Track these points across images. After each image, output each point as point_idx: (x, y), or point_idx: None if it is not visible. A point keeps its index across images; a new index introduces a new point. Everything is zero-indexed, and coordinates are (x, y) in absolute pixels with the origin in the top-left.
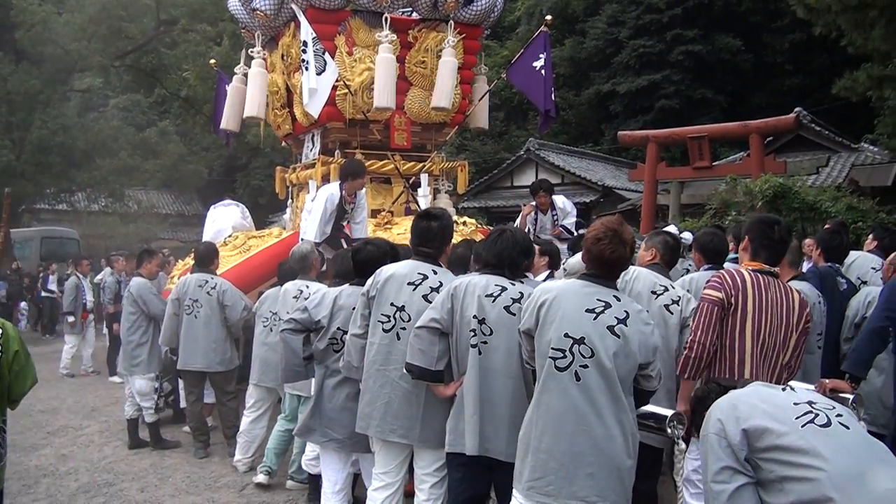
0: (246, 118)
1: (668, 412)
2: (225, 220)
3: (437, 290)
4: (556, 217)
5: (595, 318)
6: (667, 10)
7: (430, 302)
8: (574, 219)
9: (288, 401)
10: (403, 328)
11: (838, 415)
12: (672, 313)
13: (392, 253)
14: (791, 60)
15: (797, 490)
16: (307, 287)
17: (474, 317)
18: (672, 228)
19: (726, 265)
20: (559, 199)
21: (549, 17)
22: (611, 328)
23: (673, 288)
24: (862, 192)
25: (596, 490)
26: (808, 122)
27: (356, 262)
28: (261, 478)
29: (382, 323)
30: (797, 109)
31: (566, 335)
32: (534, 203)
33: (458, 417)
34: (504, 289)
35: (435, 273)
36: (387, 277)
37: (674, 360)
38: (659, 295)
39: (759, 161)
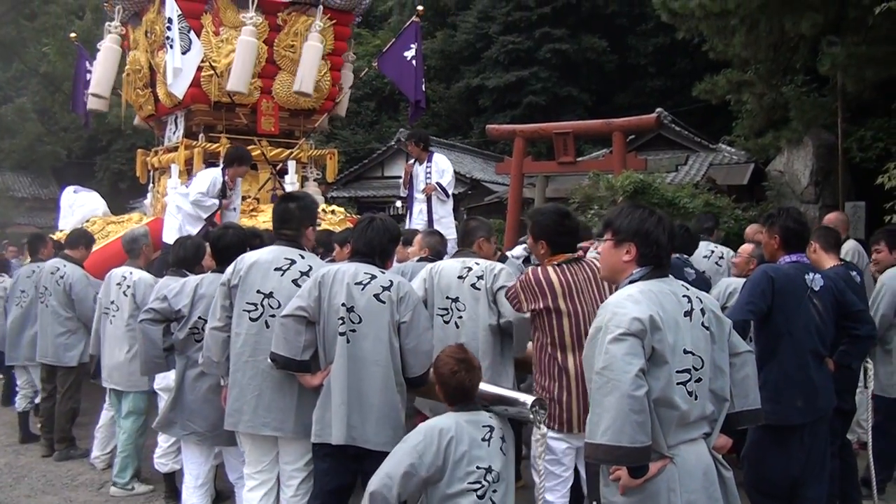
0: (91, 93)
1: (529, 398)
2: (93, 203)
3: (307, 273)
4: (428, 171)
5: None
6: (536, 7)
7: (301, 287)
8: (451, 177)
9: (120, 399)
10: (273, 315)
11: (697, 380)
12: (479, 289)
13: (256, 240)
14: (654, 63)
15: None
16: (131, 274)
17: (343, 304)
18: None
19: None
20: (438, 156)
21: (420, 8)
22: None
23: (477, 265)
24: (719, 190)
25: None
26: (669, 123)
27: (217, 249)
28: (140, 488)
29: (249, 312)
30: (658, 110)
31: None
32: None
33: (324, 407)
34: (374, 277)
35: (303, 257)
36: (250, 264)
37: (490, 333)
38: (464, 277)
39: (620, 158)
